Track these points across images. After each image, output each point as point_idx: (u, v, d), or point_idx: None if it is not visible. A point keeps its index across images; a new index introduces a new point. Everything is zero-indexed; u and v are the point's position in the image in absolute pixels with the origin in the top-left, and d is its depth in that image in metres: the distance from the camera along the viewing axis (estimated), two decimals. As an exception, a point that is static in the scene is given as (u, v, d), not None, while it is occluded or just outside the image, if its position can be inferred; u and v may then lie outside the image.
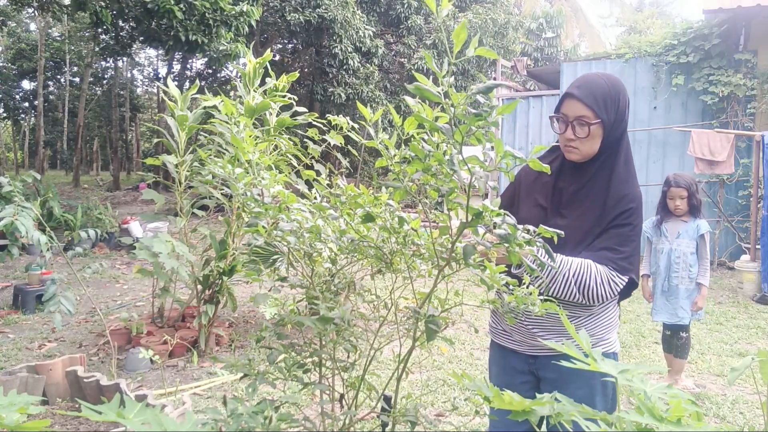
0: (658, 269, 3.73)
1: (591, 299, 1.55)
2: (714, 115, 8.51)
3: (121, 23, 9.71)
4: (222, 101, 3.56)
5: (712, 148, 7.81)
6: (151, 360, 3.60)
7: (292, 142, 4.08)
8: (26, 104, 27.00)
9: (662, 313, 3.68)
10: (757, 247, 6.90)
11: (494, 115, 0.91)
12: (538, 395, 0.87)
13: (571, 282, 1.52)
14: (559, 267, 1.51)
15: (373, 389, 1.42)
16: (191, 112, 4.40)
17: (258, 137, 3.80)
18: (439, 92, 0.92)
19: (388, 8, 14.24)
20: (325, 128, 2.36)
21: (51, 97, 26.99)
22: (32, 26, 24.83)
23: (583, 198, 1.62)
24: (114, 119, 22.66)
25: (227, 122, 2.93)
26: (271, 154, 4.13)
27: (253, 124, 3.87)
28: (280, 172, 1.43)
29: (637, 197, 1.61)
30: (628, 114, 1.65)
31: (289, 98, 4.28)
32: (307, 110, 4.30)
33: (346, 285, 1.45)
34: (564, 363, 0.90)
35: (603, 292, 1.53)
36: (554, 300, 1.25)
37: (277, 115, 4.33)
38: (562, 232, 1.17)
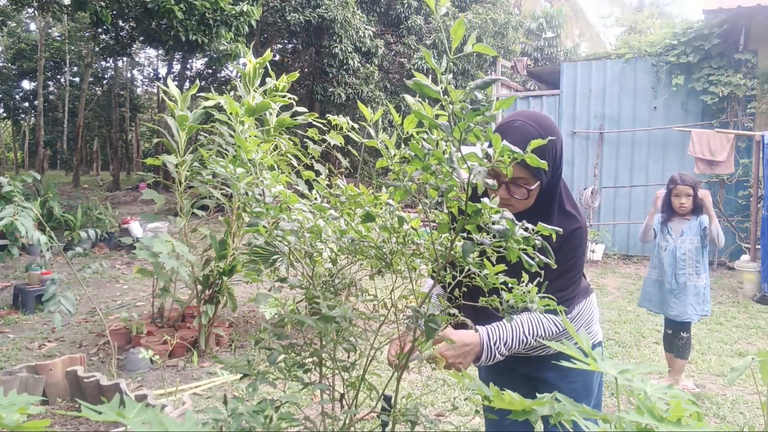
0: (662, 267, 3.73)
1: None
2: (714, 115, 8.51)
3: (121, 23, 9.72)
4: (226, 101, 3.55)
5: (712, 148, 7.81)
6: (151, 360, 3.60)
7: (292, 142, 4.08)
8: (26, 104, 27.01)
9: (673, 311, 3.68)
10: (757, 247, 6.90)
11: (492, 110, 0.91)
12: (537, 395, 0.88)
13: (530, 343, 1.48)
14: (514, 342, 1.45)
15: (373, 389, 1.42)
16: (191, 112, 4.40)
17: (258, 137, 3.80)
18: (438, 89, 0.92)
19: (388, 8, 14.23)
20: (325, 128, 2.36)
21: (51, 97, 26.99)
22: (32, 26, 24.83)
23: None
24: (114, 119, 22.67)
25: (231, 121, 2.93)
26: (271, 154, 4.13)
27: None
28: (281, 173, 1.43)
29: (582, 224, 1.53)
30: (562, 156, 1.51)
31: (289, 98, 4.28)
32: (307, 110, 4.31)
33: (346, 285, 1.45)
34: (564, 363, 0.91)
35: (555, 331, 1.51)
36: (552, 298, 1.25)
37: (277, 115, 4.34)
38: (560, 229, 1.16)
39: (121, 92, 25.28)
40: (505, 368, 1.74)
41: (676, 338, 3.73)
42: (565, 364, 0.90)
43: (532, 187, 1.43)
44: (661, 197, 3.76)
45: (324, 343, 1.34)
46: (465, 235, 1.11)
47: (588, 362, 0.82)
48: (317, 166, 1.62)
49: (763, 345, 4.74)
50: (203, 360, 4.14)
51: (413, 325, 1.23)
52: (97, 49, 15.50)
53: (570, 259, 1.50)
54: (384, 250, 1.31)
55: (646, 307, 3.87)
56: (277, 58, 15.88)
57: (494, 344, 1.42)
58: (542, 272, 1.41)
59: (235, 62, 9.64)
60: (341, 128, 1.75)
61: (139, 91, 30.23)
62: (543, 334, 1.47)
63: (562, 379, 1.62)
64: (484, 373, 1.86)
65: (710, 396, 3.59)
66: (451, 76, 0.92)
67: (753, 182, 7.48)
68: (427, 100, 1.01)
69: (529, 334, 1.45)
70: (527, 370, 1.71)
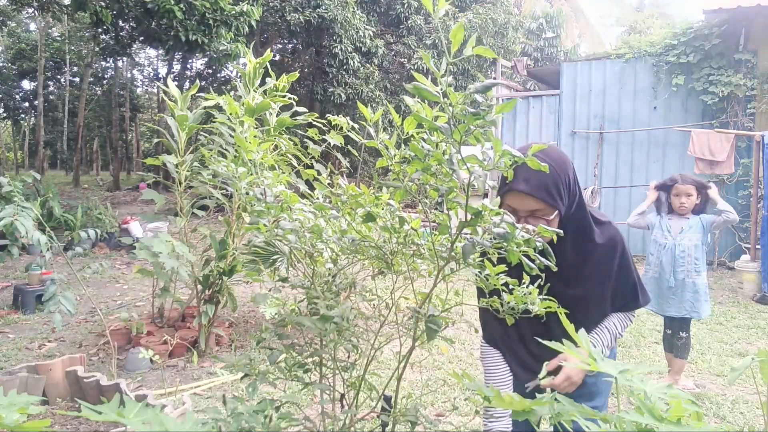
0: (660, 265, 3.72)
1: None
2: (714, 115, 8.51)
3: (121, 23, 9.71)
4: (225, 101, 3.56)
5: (712, 148, 7.81)
6: (151, 360, 3.60)
7: (291, 142, 4.08)
8: (26, 104, 27.00)
9: (670, 308, 3.67)
10: (757, 247, 6.89)
11: (492, 114, 0.91)
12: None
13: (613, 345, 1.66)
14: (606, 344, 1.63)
15: (373, 389, 1.42)
16: (191, 112, 4.40)
17: (258, 137, 3.79)
18: (437, 92, 0.92)
19: (388, 8, 14.23)
20: (325, 128, 2.36)
21: (51, 97, 26.98)
22: (32, 26, 24.83)
23: (572, 269, 1.57)
24: (114, 119, 22.65)
25: (230, 122, 2.93)
26: (271, 154, 4.12)
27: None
28: (282, 173, 1.43)
29: (620, 236, 1.62)
30: (578, 183, 1.56)
31: (289, 98, 4.27)
32: (307, 110, 4.30)
33: (347, 285, 1.45)
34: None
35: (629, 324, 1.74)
36: (553, 300, 1.26)
37: (277, 115, 4.33)
38: (561, 232, 1.17)
39: (121, 92, 25.26)
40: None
41: (676, 338, 3.73)
42: (565, 364, 0.90)
43: (551, 218, 1.45)
44: (654, 187, 3.76)
45: (324, 343, 1.34)
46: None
47: (588, 362, 0.82)
48: (317, 166, 1.62)
49: (763, 345, 4.74)
50: (203, 360, 4.14)
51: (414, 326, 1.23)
52: (97, 49, 15.50)
53: (622, 262, 1.62)
54: (385, 251, 1.31)
55: (645, 307, 3.85)
56: (277, 58, 15.87)
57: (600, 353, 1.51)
58: (618, 277, 1.64)
59: (235, 62, 9.64)
60: (341, 128, 1.75)
61: (139, 91, 30.22)
62: (626, 326, 1.71)
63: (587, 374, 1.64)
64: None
65: (710, 396, 3.59)
66: (451, 78, 0.92)
67: (753, 182, 7.47)
68: (426, 101, 1.01)
69: (621, 330, 1.67)
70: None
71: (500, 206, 1.48)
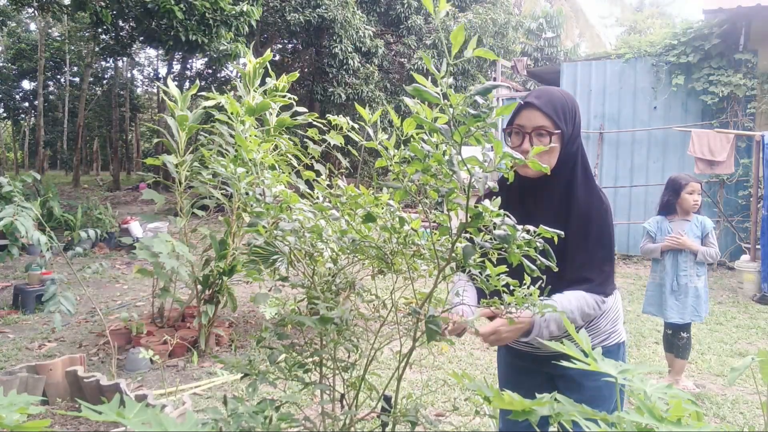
0: (664, 269, 3.70)
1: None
2: (714, 115, 8.51)
3: (121, 23, 9.72)
4: (227, 101, 3.56)
5: (712, 148, 7.81)
6: (151, 360, 3.60)
7: (291, 142, 4.08)
8: (26, 104, 27.01)
9: (673, 312, 3.67)
10: (757, 247, 6.90)
11: (493, 116, 0.91)
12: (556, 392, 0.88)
13: (577, 321, 1.52)
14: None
15: (373, 389, 1.42)
16: (191, 112, 4.40)
17: (258, 137, 3.79)
18: (437, 93, 0.92)
19: (388, 8, 14.23)
20: (325, 128, 2.36)
21: (51, 97, 26.98)
22: (32, 26, 24.83)
23: (555, 216, 1.57)
24: (114, 119, 22.67)
25: (231, 121, 2.93)
26: (271, 154, 4.12)
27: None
28: (282, 173, 1.43)
29: (606, 203, 1.59)
30: (581, 126, 1.63)
31: (289, 98, 4.27)
32: (307, 110, 4.30)
33: (347, 285, 1.45)
34: (564, 363, 0.91)
35: (595, 314, 1.58)
36: (554, 303, 1.26)
37: (277, 115, 4.33)
38: (562, 233, 1.17)
39: (121, 92, 25.27)
40: (527, 369, 1.75)
41: (676, 338, 3.73)
42: (565, 363, 0.90)
43: (554, 132, 1.51)
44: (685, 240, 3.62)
45: (324, 343, 1.34)
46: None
47: (588, 362, 0.83)
48: (317, 166, 1.62)
49: (763, 345, 4.74)
50: (203, 360, 4.14)
51: (413, 325, 1.23)
52: (97, 49, 15.49)
53: (602, 228, 1.56)
54: (385, 251, 1.31)
55: (649, 312, 3.84)
56: (277, 58, 15.88)
57: (544, 322, 1.48)
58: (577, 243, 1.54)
59: (235, 62, 9.64)
60: (341, 128, 1.75)
61: (139, 91, 30.22)
62: (589, 312, 1.53)
63: (585, 377, 1.62)
64: (503, 374, 1.86)
65: (710, 396, 3.59)
66: (451, 79, 0.92)
67: (753, 182, 7.47)
68: (426, 102, 1.01)
69: (576, 311, 1.51)
70: (550, 369, 1.70)
71: (510, 125, 1.57)
